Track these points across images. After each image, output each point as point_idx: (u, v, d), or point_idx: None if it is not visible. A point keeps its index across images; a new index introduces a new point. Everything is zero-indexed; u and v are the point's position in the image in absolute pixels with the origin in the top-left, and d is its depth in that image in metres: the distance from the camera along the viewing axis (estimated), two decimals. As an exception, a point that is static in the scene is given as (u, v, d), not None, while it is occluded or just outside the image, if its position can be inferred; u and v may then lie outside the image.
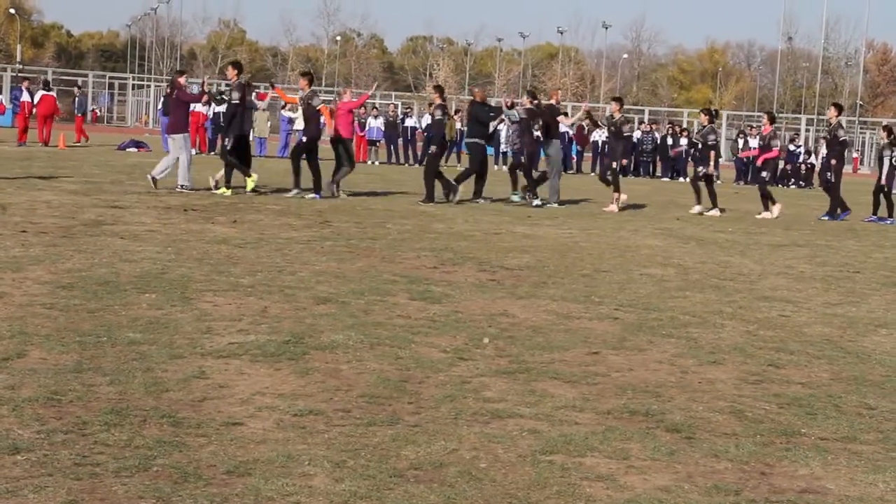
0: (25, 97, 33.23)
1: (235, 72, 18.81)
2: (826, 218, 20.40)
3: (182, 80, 19.60)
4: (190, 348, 6.43)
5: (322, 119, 18.53)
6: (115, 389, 5.42)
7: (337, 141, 19.40)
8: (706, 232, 16.31)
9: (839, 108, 21.54)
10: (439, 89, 20.97)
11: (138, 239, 11.44)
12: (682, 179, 37.59)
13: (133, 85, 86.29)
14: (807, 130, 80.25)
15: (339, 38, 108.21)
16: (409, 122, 39.11)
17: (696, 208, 20.01)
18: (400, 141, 38.76)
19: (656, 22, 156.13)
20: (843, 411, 5.78)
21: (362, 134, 36.86)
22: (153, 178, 18.10)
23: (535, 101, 19.95)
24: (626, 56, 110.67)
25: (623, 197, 19.61)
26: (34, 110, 33.16)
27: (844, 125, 21.66)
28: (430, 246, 12.29)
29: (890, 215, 20.58)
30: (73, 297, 7.80)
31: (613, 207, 19.28)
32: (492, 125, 20.39)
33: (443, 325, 7.58)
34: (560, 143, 20.52)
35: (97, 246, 10.68)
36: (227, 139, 18.28)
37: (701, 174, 20.27)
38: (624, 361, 6.74)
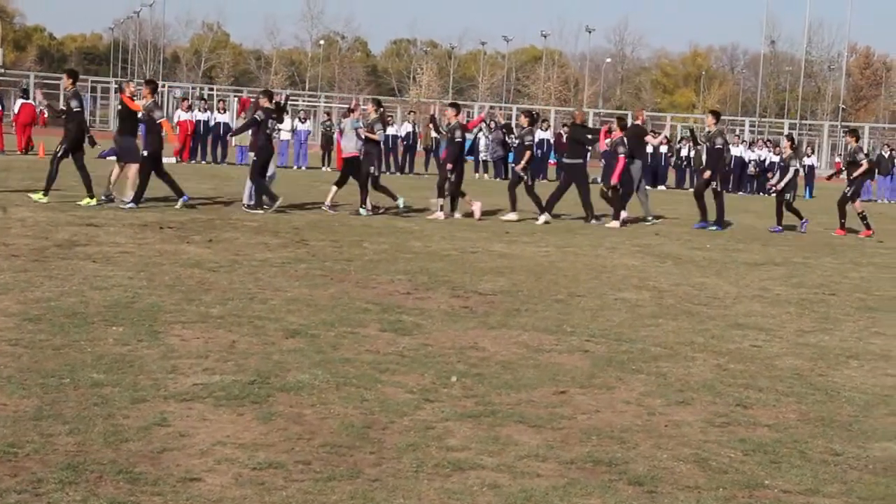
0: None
1: (70, 80, 18.34)
2: (701, 227, 20.00)
3: (264, 101, 19.63)
4: (153, 390, 6.37)
5: (163, 132, 18.17)
6: (73, 440, 5.36)
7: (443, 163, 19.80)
8: (684, 249, 16.31)
9: (717, 116, 21.05)
10: (376, 102, 20.87)
11: (111, 262, 11.37)
12: (661, 187, 37.56)
13: (115, 88, 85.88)
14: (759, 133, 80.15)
15: (322, 41, 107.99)
16: (390, 131, 38.85)
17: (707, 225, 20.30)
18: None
19: (640, 25, 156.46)
20: (808, 458, 5.76)
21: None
22: (268, 206, 18.25)
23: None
24: (609, 60, 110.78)
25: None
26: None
27: (724, 133, 21.36)
28: (405, 268, 12.24)
29: (779, 223, 20.53)
30: (39, 332, 7.73)
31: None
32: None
33: (411, 360, 7.54)
34: (641, 163, 20.98)
35: (69, 271, 10.60)
36: (60, 147, 17.77)
37: (715, 187, 20.31)
38: (591, 402, 6.70)
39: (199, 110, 35.63)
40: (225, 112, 36.26)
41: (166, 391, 6.38)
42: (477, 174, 36.67)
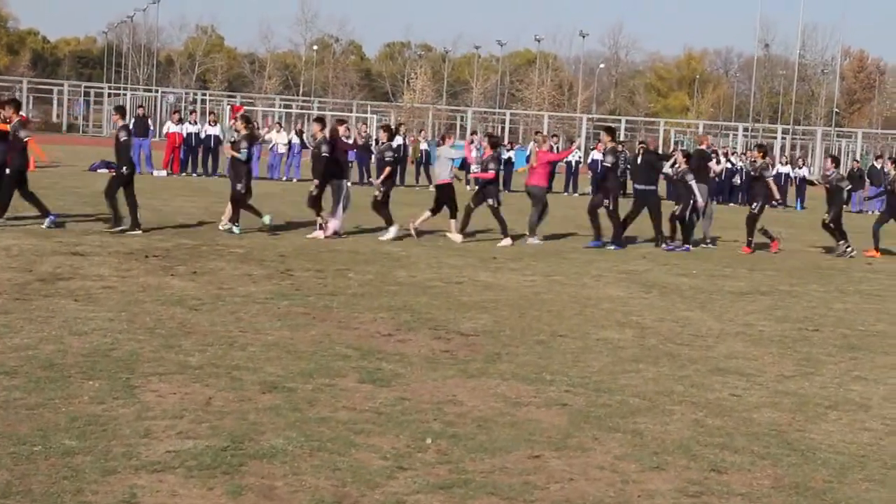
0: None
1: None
2: (595, 245, 19.63)
3: (343, 129, 19.84)
4: (125, 459, 6.34)
5: (29, 152, 18.23)
6: (40, 523, 5.34)
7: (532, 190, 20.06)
8: (670, 276, 16.30)
9: (611, 133, 20.62)
10: (341, 122, 21.06)
11: (92, 300, 11.35)
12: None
13: (109, 93, 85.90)
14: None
15: (315, 47, 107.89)
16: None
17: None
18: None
19: (634, 29, 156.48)
20: (779, 535, 5.74)
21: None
22: (336, 234, 18.74)
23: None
24: (602, 66, 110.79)
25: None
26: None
27: (621, 149, 21.26)
28: (389, 304, 12.23)
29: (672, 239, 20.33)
30: (14, 388, 7.70)
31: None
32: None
33: (387, 419, 7.52)
34: (707, 187, 21.24)
35: (49, 311, 10.58)
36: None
37: (607, 205, 19.78)
38: (565, 467, 6.69)
39: (190, 122, 35.57)
40: (215, 124, 36.17)
41: (138, 460, 6.35)
42: (468, 186, 36.58)
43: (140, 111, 37.00)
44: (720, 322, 12.41)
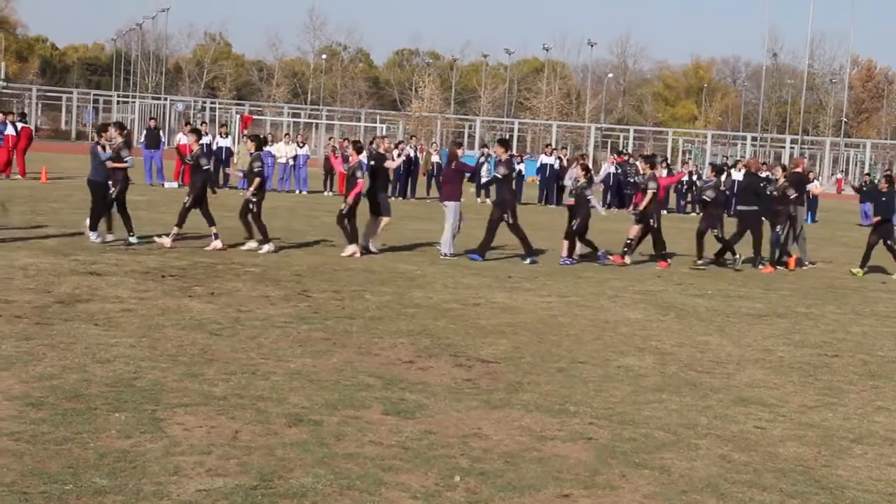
0: (10, 130, 32.92)
1: None
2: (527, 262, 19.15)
3: (460, 151, 20.06)
4: (157, 499, 6.35)
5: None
6: (76, 569, 5.34)
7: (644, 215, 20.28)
8: (686, 296, 16.29)
9: (504, 145, 20.14)
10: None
11: (113, 324, 11.37)
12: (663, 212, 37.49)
13: (118, 101, 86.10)
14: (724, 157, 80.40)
15: (324, 55, 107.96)
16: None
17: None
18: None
19: (641, 38, 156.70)
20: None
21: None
22: (447, 254, 19.00)
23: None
24: (611, 75, 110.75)
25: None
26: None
27: (512, 162, 21.15)
28: (408, 328, 12.24)
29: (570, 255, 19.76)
30: (41, 421, 7.72)
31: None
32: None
33: (415, 454, 7.52)
34: (804, 209, 21.76)
35: (71, 337, 10.60)
36: None
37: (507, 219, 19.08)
38: (595, 507, 6.69)
39: (202, 134, 35.56)
40: (227, 136, 36.23)
41: (170, 500, 6.36)
42: (479, 199, 36.65)
43: (152, 123, 37.05)
44: (739, 347, 12.40)
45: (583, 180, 19.88)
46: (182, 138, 34.60)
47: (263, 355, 10.38)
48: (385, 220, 19.52)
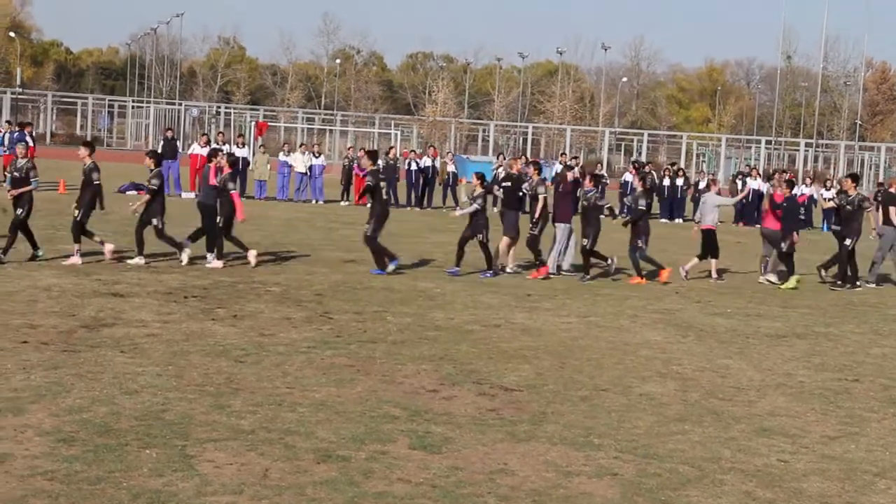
0: (28, 140, 33.03)
1: None
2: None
3: (570, 174, 20.55)
4: (191, 544, 6.44)
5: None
6: None
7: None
8: (705, 315, 16.35)
9: (372, 156, 19.78)
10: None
11: (138, 351, 11.48)
12: (678, 220, 37.59)
13: (133, 106, 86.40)
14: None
15: (338, 60, 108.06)
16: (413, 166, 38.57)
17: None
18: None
19: (655, 40, 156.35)
20: None
21: (363, 175, 36.67)
22: (562, 270, 19.62)
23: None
24: (625, 79, 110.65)
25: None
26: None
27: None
28: (430, 353, 12.32)
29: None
30: (74, 459, 7.82)
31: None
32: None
33: (443, 492, 7.60)
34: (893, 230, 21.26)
35: (98, 366, 10.71)
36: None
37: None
38: (623, 550, 6.76)
39: (218, 144, 35.74)
40: (244, 146, 36.36)
41: (204, 545, 6.45)
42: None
43: (169, 133, 37.19)
44: (760, 371, 12.46)
45: (536, 178, 19.80)
46: (196, 148, 34.79)
47: (289, 384, 10.47)
48: (505, 240, 19.74)
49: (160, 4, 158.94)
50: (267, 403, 9.71)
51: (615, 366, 12.30)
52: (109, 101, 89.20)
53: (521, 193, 20.31)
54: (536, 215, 19.67)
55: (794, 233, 20.27)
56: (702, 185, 37.49)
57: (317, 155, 37.36)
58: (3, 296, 14.33)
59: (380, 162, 21.81)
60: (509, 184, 20.26)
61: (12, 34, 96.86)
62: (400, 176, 36.67)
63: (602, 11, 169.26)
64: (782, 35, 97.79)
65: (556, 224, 19.89)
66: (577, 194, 20.60)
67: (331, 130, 76.00)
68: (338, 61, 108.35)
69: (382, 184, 18.87)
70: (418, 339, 13.16)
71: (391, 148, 40.68)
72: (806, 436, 9.77)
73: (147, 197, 18.57)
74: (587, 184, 20.26)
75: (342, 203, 36.32)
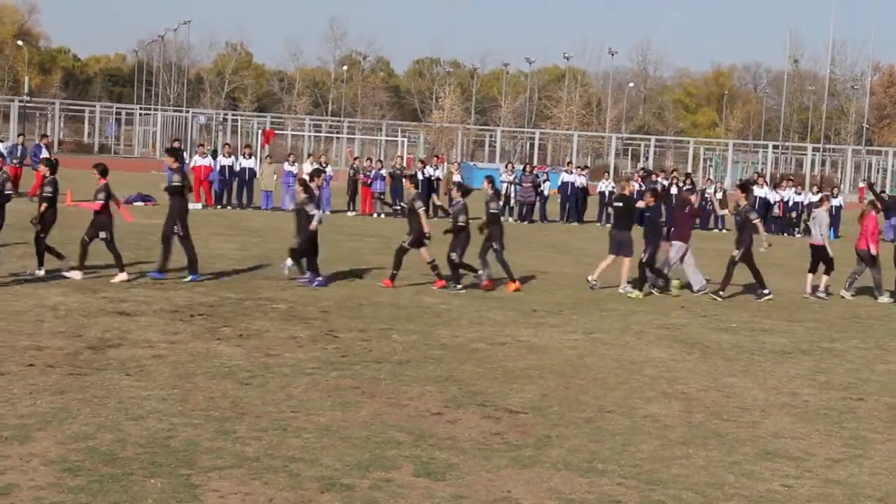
0: (45, 153, 33.11)
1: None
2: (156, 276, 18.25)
3: (693, 198, 20.85)
4: (195, 579, 6.47)
5: None
6: None
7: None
8: (710, 330, 16.36)
9: (174, 153, 19.40)
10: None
11: (144, 374, 11.53)
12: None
13: (140, 113, 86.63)
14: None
15: (345, 66, 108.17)
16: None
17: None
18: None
19: (662, 44, 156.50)
20: None
21: (368, 184, 36.76)
22: (701, 289, 20.06)
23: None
24: (631, 85, 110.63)
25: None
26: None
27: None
28: (435, 373, 12.34)
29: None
30: (79, 490, 7.85)
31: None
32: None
33: (446, 523, 7.62)
34: None
35: (104, 390, 10.75)
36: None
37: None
38: (626, 584, 6.77)
39: (224, 155, 35.89)
40: (251, 157, 36.44)
41: (208, 580, 6.47)
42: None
43: (176, 143, 37.25)
44: (764, 390, 12.47)
45: (413, 192, 19.59)
46: (198, 160, 34.87)
47: (293, 408, 10.50)
48: (626, 260, 19.93)
49: (168, 11, 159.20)
50: (272, 428, 9.74)
51: (620, 385, 12.32)
52: (117, 108, 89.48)
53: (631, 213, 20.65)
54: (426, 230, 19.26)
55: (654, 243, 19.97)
56: (709, 192, 37.57)
57: (324, 165, 37.35)
58: (11, 315, 14.37)
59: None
60: (621, 204, 20.62)
61: (20, 42, 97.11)
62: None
63: (609, 16, 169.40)
64: (789, 38, 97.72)
65: (672, 242, 20.38)
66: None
67: (338, 138, 76.09)
68: (345, 67, 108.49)
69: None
70: (423, 358, 13.19)
71: (398, 157, 40.78)
72: (810, 459, 9.78)
73: (45, 206, 18.05)
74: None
75: (349, 213, 36.37)
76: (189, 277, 18.09)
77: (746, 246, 19.89)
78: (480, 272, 19.34)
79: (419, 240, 19.01)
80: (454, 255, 19.02)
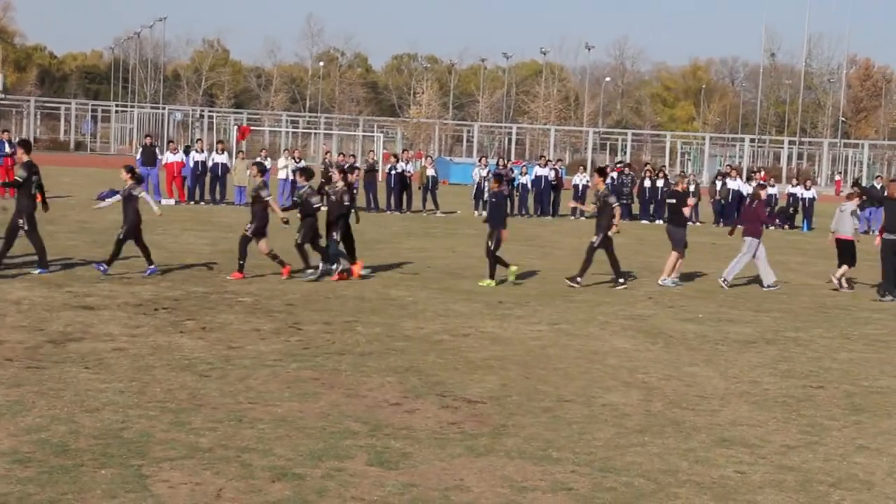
0: (7, 149, 32.98)
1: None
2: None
3: (763, 192, 21.72)
4: (138, 568, 6.45)
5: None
6: None
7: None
8: (676, 321, 16.39)
9: (26, 146, 18.65)
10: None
11: (103, 366, 11.49)
12: (658, 222, 37.62)
13: (116, 111, 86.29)
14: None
15: (322, 62, 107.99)
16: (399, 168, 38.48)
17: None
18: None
19: (639, 39, 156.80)
20: None
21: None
22: (724, 281, 20.45)
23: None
24: (608, 79, 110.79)
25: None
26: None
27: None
28: (397, 364, 12.34)
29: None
30: (28, 481, 7.82)
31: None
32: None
33: (396, 510, 7.62)
34: None
35: (61, 382, 10.71)
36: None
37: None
38: (571, 569, 6.78)
39: (197, 151, 35.80)
40: (223, 153, 36.35)
41: (151, 569, 6.46)
42: (476, 212, 36.84)
43: (148, 140, 37.10)
44: (725, 379, 12.50)
45: (259, 179, 19.06)
46: (169, 157, 34.78)
47: (251, 399, 10.48)
48: (674, 254, 20.48)
49: (144, 8, 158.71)
50: (227, 420, 9.72)
51: (581, 375, 12.33)
52: (93, 105, 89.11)
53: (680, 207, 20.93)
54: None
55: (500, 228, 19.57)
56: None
57: (297, 160, 37.30)
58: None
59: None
60: (674, 201, 21.00)
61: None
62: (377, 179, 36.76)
63: (586, 11, 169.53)
64: (765, 32, 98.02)
65: (745, 238, 20.70)
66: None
67: (315, 133, 75.94)
68: (321, 63, 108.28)
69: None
70: (386, 350, 13.18)
71: (370, 151, 40.71)
72: (765, 446, 9.81)
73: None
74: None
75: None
76: (38, 271, 17.70)
77: (604, 231, 19.78)
78: (336, 265, 18.99)
79: (261, 229, 18.72)
80: (298, 237, 18.95)
